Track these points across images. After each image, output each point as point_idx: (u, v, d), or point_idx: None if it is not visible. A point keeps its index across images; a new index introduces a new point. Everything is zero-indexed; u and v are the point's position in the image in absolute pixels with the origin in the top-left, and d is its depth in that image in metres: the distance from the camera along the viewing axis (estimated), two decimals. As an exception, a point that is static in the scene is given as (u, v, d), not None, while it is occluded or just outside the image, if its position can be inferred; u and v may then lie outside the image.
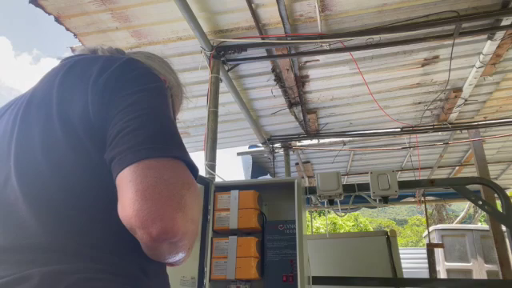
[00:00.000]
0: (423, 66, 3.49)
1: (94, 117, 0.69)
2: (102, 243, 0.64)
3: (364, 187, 2.19)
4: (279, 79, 3.51)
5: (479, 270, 6.41)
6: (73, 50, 3.02)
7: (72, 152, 0.68)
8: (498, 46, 3.07)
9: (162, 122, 0.69)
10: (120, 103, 0.69)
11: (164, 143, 0.65)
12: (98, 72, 0.73)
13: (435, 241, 6.82)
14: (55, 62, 0.89)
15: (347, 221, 15.82)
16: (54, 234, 0.63)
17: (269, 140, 4.84)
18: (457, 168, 6.23)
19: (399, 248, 2.76)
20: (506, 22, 2.78)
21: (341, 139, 5.09)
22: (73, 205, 0.65)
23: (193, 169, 0.68)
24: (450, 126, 4.41)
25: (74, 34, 2.82)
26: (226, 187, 2.06)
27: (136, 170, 0.60)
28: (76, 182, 0.67)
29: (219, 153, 2.74)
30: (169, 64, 1.00)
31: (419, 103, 4.16)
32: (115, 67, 0.75)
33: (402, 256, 2.77)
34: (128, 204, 0.58)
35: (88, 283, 0.56)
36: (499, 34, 2.91)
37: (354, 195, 2.34)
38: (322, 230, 12.27)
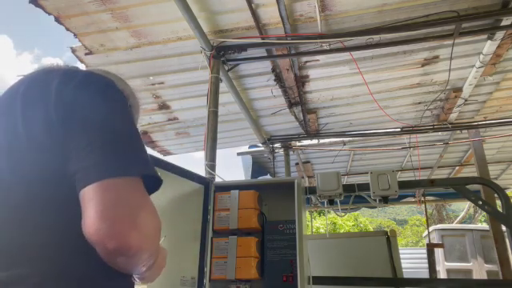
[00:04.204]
0: (423, 65, 3.49)
1: (57, 127, 0.72)
2: (62, 245, 0.68)
3: (364, 187, 2.19)
4: (279, 79, 3.51)
5: (479, 269, 6.41)
6: (73, 50, 3.03)
7: (34, 157, 0.72)
8: (498, 46, 3.06)
9: (124, 139, 0.74)
10: (83, 117, 0.73)
11: (125, 161, 0.71)
12: (60, 84, 0.76)
13: (435, 241, 6.81)
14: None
15: (347, 221, 15.81)
16: (9, 238, 0.67)
17: (269, 140, 4.84)
18: (457, 168, 6.23)
19: (399, 248, 2.76)
20: (506, 21, 2.77)
21: (341, 139, 5.09)
22: (32, 208, 0.69)
23: (156, 180, 0.76)
24: (449, 126, 4.41)
25: (74, 34, 2.82)
26: (226, 187, 2.06)
27: (97, 190, 0.66)
28: (36, 185, 0.70)
29: (219, 153, 2.74)
30: (123, 79, 1.07)
31: (419, 103, 4.15)
32: (77, 81, 0.78)
33: (402, 256, 2.77)
34: (88, 223, 0.65)
35: None
36: (499, 34, 2.91)
37: (354, 195, 2.34)
38: (322, 230, 12.27)
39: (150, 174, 0.74)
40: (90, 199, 0.65)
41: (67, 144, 0.70)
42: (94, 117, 0.73)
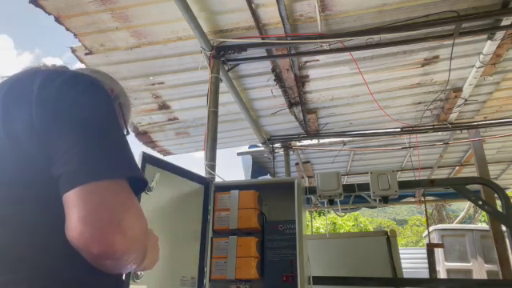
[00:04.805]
0: (423, 65, 3.49)
1: (39, 129, 0.71)
2: (48, 245, 0.67)
3: (364, 187, 2.19)
4: (279, 79, 3.51)
5: (479, 269, 6.41)
6: (73, 50, 3.03)
7: (15, 157, 0.71)
8: (498, 46, 3.06)
9: (108, 141, 0.73)
10: (66, 118, 0.72)
11: (108, 164, 0.70)
12: (42, 84, 0.75)
13: (435, 241, 6.81)
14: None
15: (347, 221, 15.82)
16: None
17: (269, 140, 4.84)
18: (457, 168, 6.22)
19: (399, 248, 2.76)
20: (506, 21, 2.77)
21: (341, 139, 5.09)
22: (16, 208, 0.68)
23: (141, 181, 0.74)
24: (449, 126, 4.41)
25: (74, 34, 2.81)
26: (226, 187, 2.06)
27: (80, 195, 0.65)
28: (17, 185, 0.70)
29: (219, 153, 2.74)
30: (113, 78, 1.05)
31: (419, 103, 4.15)
32: (60, 80, 0.77)
33: (402, 256, 2.76)
34: (72, 228, 0.64)
35: None
36: (499, 34, 2.91)
37: (354, 195, 2.34)
38: (322, 230, 12.27)
39: (135, 176, 0.73)
40: (74, 203, 0.65)
41: (50, 144, 0.69)
42: (76, 117, 0.72)
